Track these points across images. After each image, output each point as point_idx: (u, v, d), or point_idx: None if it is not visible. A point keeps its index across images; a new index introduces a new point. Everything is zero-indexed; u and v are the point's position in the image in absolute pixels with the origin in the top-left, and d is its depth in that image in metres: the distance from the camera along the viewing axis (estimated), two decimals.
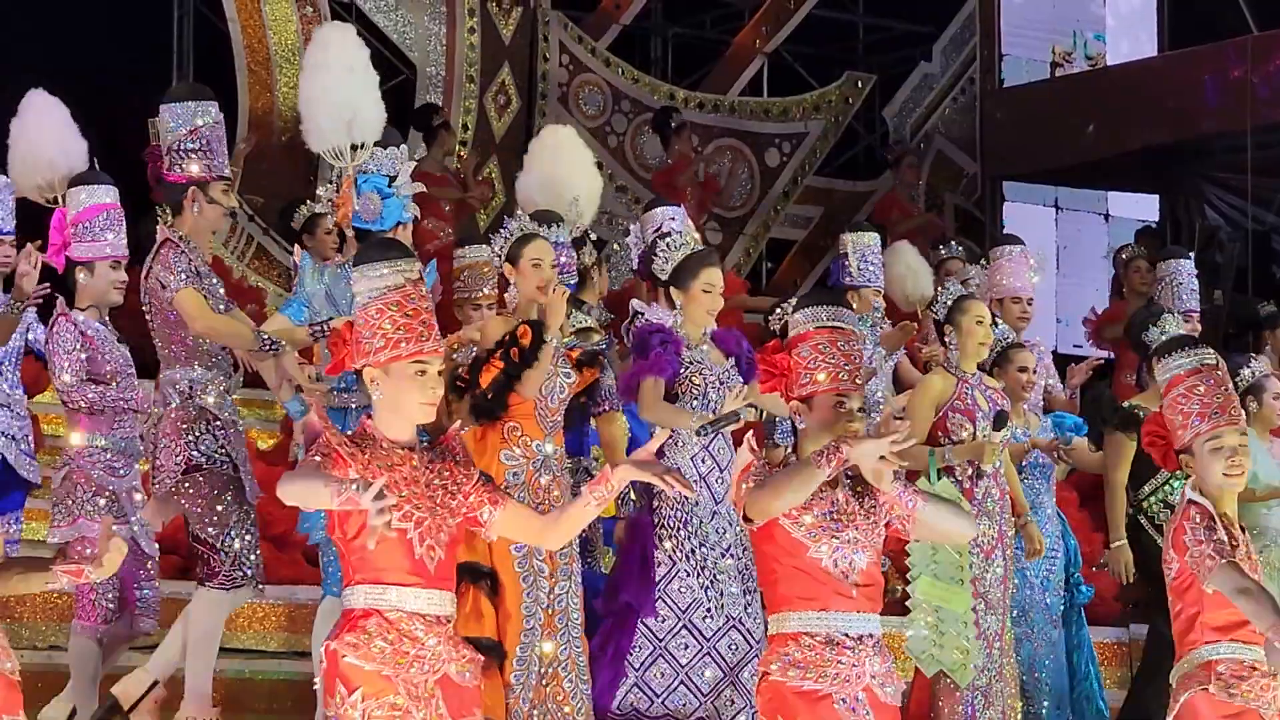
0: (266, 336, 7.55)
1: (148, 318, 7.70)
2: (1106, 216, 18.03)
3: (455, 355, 7.58)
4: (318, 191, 8.54)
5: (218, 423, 7.55)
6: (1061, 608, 9.06)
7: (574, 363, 7.71)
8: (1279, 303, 11.41)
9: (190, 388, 7.55)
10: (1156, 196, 17.73)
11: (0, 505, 8.16)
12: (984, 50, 17.15)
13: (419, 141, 13.75)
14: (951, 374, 8.40)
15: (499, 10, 15.26)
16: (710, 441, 7.70)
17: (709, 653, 7.67)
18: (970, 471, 8.25)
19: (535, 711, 7.39)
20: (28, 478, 8.30)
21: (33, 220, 8.43)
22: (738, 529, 7.64)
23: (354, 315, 5.19)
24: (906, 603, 8.14)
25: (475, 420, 7.43)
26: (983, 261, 10.28)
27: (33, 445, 8.49)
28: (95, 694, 7.84)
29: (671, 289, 7.89)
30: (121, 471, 7.86)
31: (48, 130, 8.44)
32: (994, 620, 8.22)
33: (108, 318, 8.00)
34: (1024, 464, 8.90)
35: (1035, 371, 8.96)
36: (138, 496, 7.87)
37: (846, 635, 5.48)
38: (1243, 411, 5.87)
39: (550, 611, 7.45)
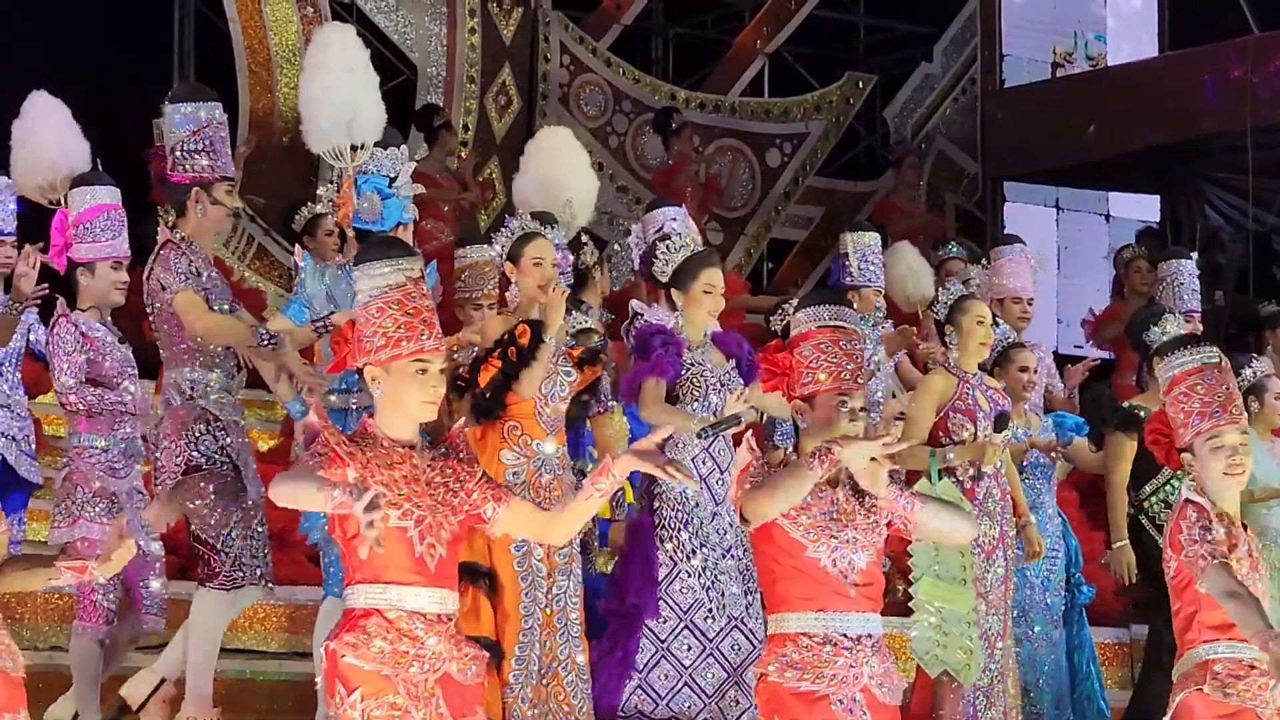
0: (265, 332, 7.54)
1: (150, 319, 7.71)
2: (1107, 217, 18.03)
3: (456, 355, 7.58)
4: (318, 191, 8.54)
5: (218, 423, 7.55)
6: (1062, 608, 9.06)
7: (575, 361, 7.71)
8: None
9: (192, 388, 7.55)
10: (1157, 197, 17.72)
11: (2, 506, 8.16)
12: (985, 51, 17.14)
13: (420, 142, 13.76)
14: (952, 374, 8.40)
15: (500, 11, 15.26)
16: (711, 443, 7.70)
17: (712, 653, 7.67)
18: (971, 472, 8.25)
19: (535, 711, 7.38)
20: (28, 478, 8.30)
21: (37, 221, 8.43)
22: (738, 529, 7.64)
23: (356, 314, 5.19)
24: (909, 603, 8.14)
25: (475, 420, 7.43)
26: (983, 262, 10.28)
27: (34, 446, 8.50)
28: (96, 695, 7.84)
29: (672, 290, 7.89)
30: (122, 472, 7.86)
31: (50, 131, 8.44)
32: (995, 620, 8.22)
33: (110, 318, 8.01)
34: (1025, 464, 8.90)
35: (1036, 371, 8.96)
36: (140, 497, 7.87)
37: (845, 636, 5.49)
38: (1245, 411, 5.86)
39: (549, 611, 7.45)
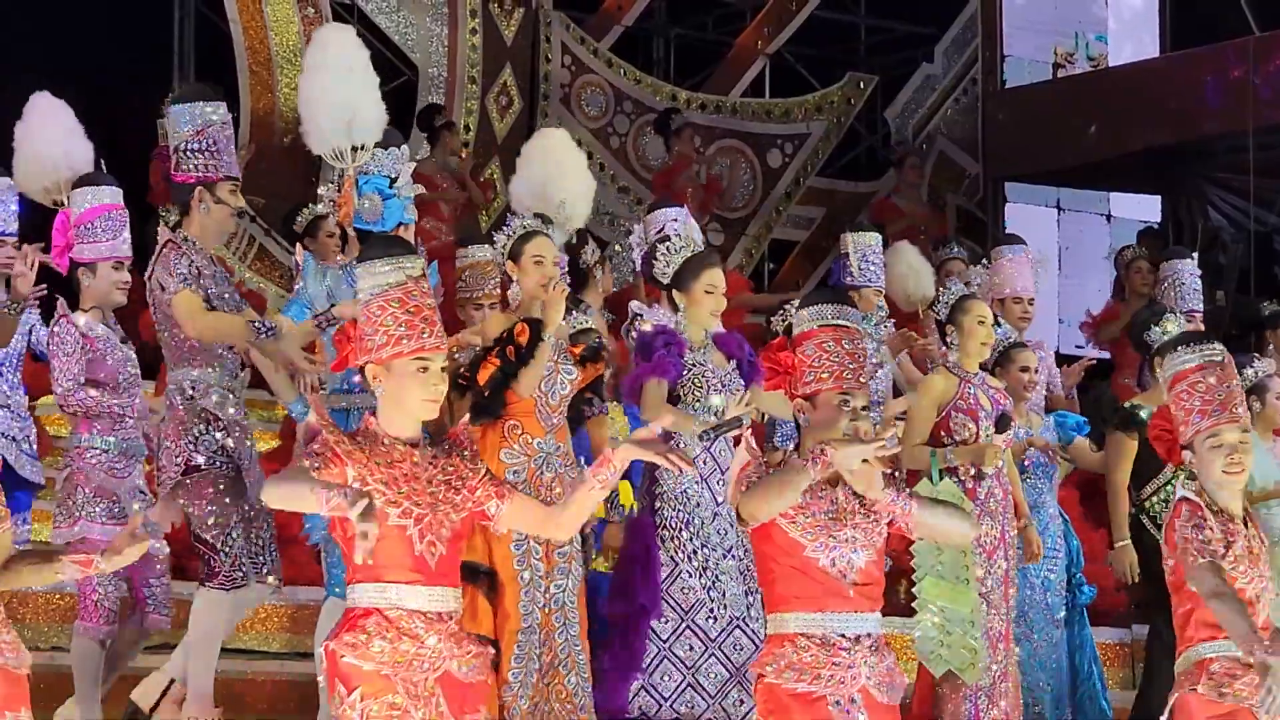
0: (260, 323, 7.52)
1: (154, 319, 7.71)
2: (1108, 217, 18.02)
3: (457, 355, 7.58)
4: (319, 191, 8.54)
5: (219, 423, 7.54)
6: (1063, 608, 9.05)
7: (577, 358, 7.71)
8: None
9: (193, 388, 7.55)
10: (1158, 197, 17.71)
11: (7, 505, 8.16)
12: (986, 51, 17.14)
13: (422, 143, 13.77)
14: (954, 374, 8.41)
15: (501, 11, 15.26)
16: (711, 443, 7.70)
17: (714, 653, 7.67)
18: (974, 472, 8.25)
19: (536, 710, 7.38)
20: (29, 479, 8.30)
21: (41, 223, 8.44)
22: (739, 529, 7.64)
23: (358, 303, 5.19)
24: (913, 604, 8.13)
25: (474, 419, 7.42)
26: (984, 262, 10.28)
27: (35, 447, 8.50)
28: (97, 695, 7.83)
29: (674, 292, 7.89)
30: (123, 472, 7.86)
31: (52, 132, 8.44)
32: (997, 621, 8.22)
33: (114, 319, 8.01)
34: (1026, 464, 8.90)
35: (1037, 371, 8.96)
36: (142, 496, 7.86)
37: (843, 636, 5.49)
38: (1246, 409, 5.86)
39: (547, 611, 7.45)
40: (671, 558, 7.70)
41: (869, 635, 5.53)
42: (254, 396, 10.19)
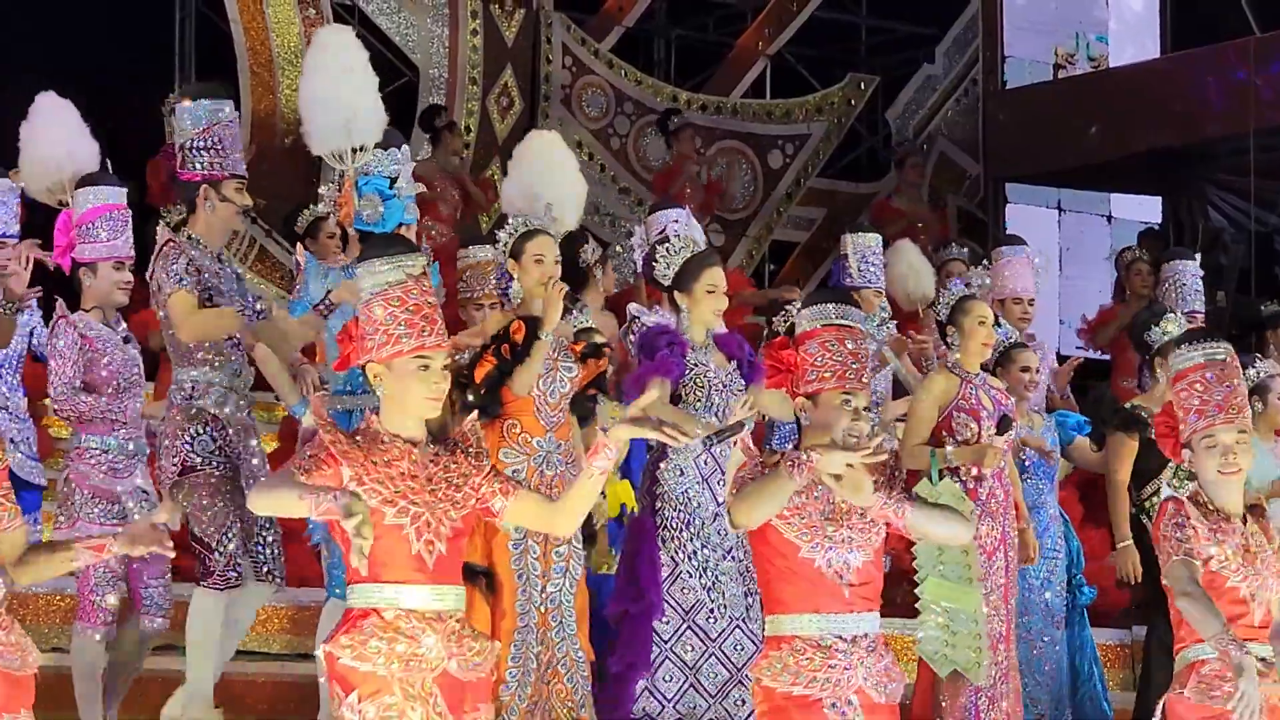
0: (250, 306, 7.50)
1: (158, 319, 7.70)
2: (1109, 218, 18.03)
3: (457, 356, 7.57)
4: (320, 191, 8.54)
5: (217, 423, 7.53)
6: (1063, 609, 9.05)
7: (578, 356, 7.71)
8: None
9: (192, 388, 7.54)
10: (1159, 198, 17.72)
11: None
12: (986, 52, 17.15)
13: (424, 143, 13.76)
14: (955, 374, 8.41)
15: (501, 12, 15.26)
16: (714, 447, 7.69)
17: (714, 653, 7.67)
18: (974, 472, 8.24)
19: (534, 710, 7.38)
20: (29, 480, 8.30)
21: (44, 223, 8.44)
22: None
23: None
24: (916, 604, 8.13)
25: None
26: (985, 262, 10.28)
27: (35, 448, 8.50)
28: (98, 696, 7.83)
29: (675, 293, 7.89)
30: (123, 472, 7.85)
31: (57, 132, 8.44)
32: (998, 621, 8.21)
33: (119, 317, 8.01)
34: (1027, 464, 8.89)
35: (1038, 371, 8.96)
36: (144, 495, 7.85)
37: (839, 638, 5.48)
38: (1247, 408, 5.86)
39: (544, 610, 7.45)
40: (672, 558, 7.70)
41: (866, 636, 5.52)
42: (254, 397, 10.20)
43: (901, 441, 8.45)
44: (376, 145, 7.84)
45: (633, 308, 8.17)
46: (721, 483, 7.69)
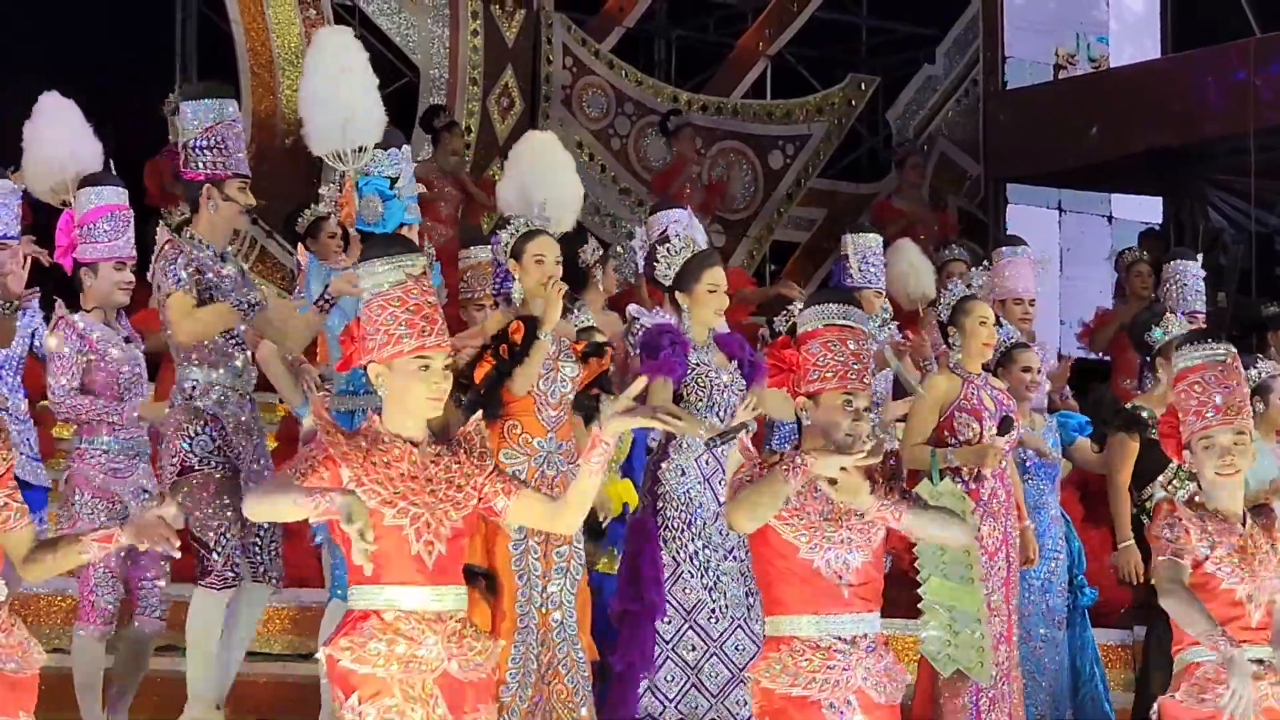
0: (244, 299, 7.49)
1: (160, 319, 7.70)
2: (1110, 219, 18.03)
3: (455, 357, 7.56)
4: (320, 192, 8.54)
5: (217, 423, 7.52)
6: (1065, 609, 9.05)
7: (579, 355, 7.70)
8: None
9: (193, 388, 7.53)
10: (1160, 199, 17.73)
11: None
12: (987, 52, 17.15)
13: (425, 144, 13.76)
14: (956, 375, 8.41)
15: (502, 13, 15.26)
16: (717, 448, 7.69)
17: (715, 653, 7.66)
18: (976, 473, 8.24)
19: (535, 710, 7.37)
20: (29, 480, 8.29)
21: (46, 223, 8.44)
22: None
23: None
24: (918, 605, 8.13)
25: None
26: (985, 263, 10.28)
27: (36, 448, 8.49)
28: (98, 696, 7.83)
29: (676, 293, 7.89)
30: (125, 472, 7.86)
31: (60, 133, 8.44)
32: (999, 621, 8.21)
33: (121, 316, 8.00)
34: (1029, 464, 8.90)
35: (1039, 371, 8.96)
36: (146, 495, 7.85)
37: (839, 638, 5.48)
38: (1247, 409, 5.85)
39: (545, 611, 7.45)
40: (673, 558, 7.69)
41: (865, 636, 5.52)
42: (254, 397, 10.20)
43: (902, 442, 8.45)
44: (377, 145, 7.84)
45: (632, 308, 8.17)
46: (723, 483, 7.69)
